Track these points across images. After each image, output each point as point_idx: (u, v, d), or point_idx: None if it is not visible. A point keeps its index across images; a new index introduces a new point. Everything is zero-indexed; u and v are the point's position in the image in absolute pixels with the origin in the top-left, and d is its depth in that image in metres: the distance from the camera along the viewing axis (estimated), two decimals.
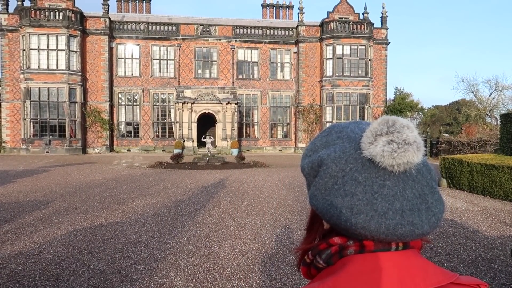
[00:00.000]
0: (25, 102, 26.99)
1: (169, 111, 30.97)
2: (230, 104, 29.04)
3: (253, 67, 31.90)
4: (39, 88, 27.07)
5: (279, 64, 32.32)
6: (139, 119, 30.73)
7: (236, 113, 29.53)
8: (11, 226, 6.60)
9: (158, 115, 30.96)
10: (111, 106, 29.98)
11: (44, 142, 27.12)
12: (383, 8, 32.34)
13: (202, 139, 24.09)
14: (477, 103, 40.41)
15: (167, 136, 30.96)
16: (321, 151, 0.74)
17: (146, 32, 30.44)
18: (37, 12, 27.07)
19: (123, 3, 35.37)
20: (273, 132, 32.54)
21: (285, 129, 32.70)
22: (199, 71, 31.42)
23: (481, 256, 5.08)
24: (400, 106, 30.98)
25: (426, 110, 48.60)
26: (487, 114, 38.27)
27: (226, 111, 29.14)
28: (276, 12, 37.40)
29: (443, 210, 0.71)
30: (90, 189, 11.00)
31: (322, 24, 30.82)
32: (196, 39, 30.98)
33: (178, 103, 28.73)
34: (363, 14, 31.51)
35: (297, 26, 31.63)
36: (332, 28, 29.95)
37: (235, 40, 31.31)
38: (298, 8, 31.88)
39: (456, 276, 0.68)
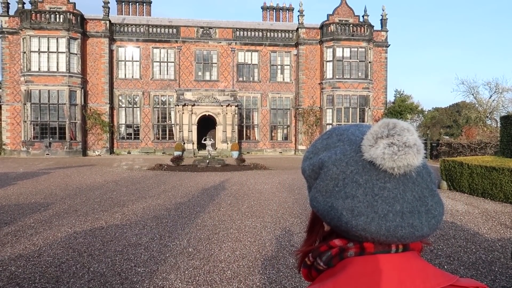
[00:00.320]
0: (25, 104, 27.01)
1: (169, 114, 30.99)
2: (230, 106, 29.06)
3: (253, 70, 31.93)
4: (40, 90, 27.09)
5: (279, 67, 32.36)
6: (139, 121, 30.74)
7: (236, 115, 29.55)
8: (11, 229, 6.59)
9: (158, 118, 30.97)
10: (112, 108, 30.00)
11: (44, 145, 27.12)
12: (383, 10, 32.40)
13: (202, 142, 24.10)
14: (477, 105, 40.45)
15: (167, 138, 30.97)
16: (322, 153, 0.75)
17: (146, 35, 30.50)
18: (38, 15, 27.12)
19: (123, 5, 35.45)
20: (273, 134, 32.54)
21: (285, 131, 32.70)
22: (199, 73, 31.46)
23: (481, 259, 5.07)
24: (400, 108, 30.98)
25: (426, 112, 48.62)
26: (487, 116, 38.30)
27: (227, 113, 29.16)
28: (276, 15, 37.48)
29: (443, 212, 0.72)
30: (90, 191, 10.99)
31: (322, 27, 30.88)
32: (196, 42, 31.03)
33: (178, 105, 28.75)
34: (363, 16, 31.57)
35: (297, 29, 31.69)
36: (332, 30, 30.00)
37: (235, 43, 31.35)
38: (298, 11, 31.96)
39: (456, 279, 0.68)
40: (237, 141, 29.45)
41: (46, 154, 26.99)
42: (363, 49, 29.91)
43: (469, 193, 10.69)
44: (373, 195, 0.66)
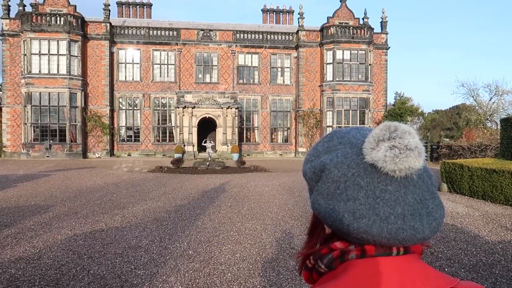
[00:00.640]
0: (25, 106, 27.04)
1: (170, 116, 31.02)
2: (231, 108, 29.08)
3: (254, 72, 31.98)
4: (40, 92, 27.14)
5: (279, 69, 32.41)
6: (139, 123, 30.77)
7: (236, 117, 29.57)
8: (11, 231, 6.59)
9: (158, 120, 31.00)
10: (112, 110, 30.03)
11: (44, 147, 27.13)
12: (383, 13, 32.48)
13: (203, 144, 24.10)
14: (477, 107, 40.48)
15: (167, 140, 30.98)
16: (323, 156, 0.75)
17: (147, 37, 30.56)
18: (39, 17, 27.20)
19: (124, 8, 35.54)
20: (273, 136, 32.56)
21: (285, 133, 32.72)
22: (200, 75, 31.50)
23: (482, 261, 5.06)
24: (401, 110, 30.99)
25: (426, 115, 48.63)
26: (487, 119, 38.32)
27: (227, 115, 29.18)
28: (276, 17, 37.56)
29: (444, 215, 0.72)
30: (90, 193, 10.99)
31: (322, 29, 30.94)
32: (196, 44, 31.09)
33: (178, 107, 28.78)
34: (363, 19, 31.64)
35: (297, 31, 31.75)
36: (332, 33, 30.06)
37: (236, 45, 31.42)
38: (298, 13, 32.03)
39: (457, 281, 0.68)
40: (237, 143, 29.46)
41: (46, 156, 27.00)
42: (363, 52, 29.96)
43: (470, 196, 10.68)
44: (374, 198, 0.67)
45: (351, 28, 30.16)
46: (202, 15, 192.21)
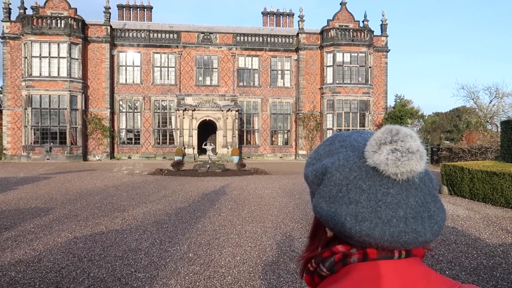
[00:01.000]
0: (26, 109, 27.06)
1: (170, 118, 31.04)
2: (231, 111, 29.10)
3: (254, 75, 32.02)
4: (41, 95, 27.16)
5: (279, 72, 32.45)
6: (140, 126, 30.78)
7: (236, 120, 29.58)
8: (11, 234, 6.58)
9: (158, 122, 31.01)
10: (112, 113, 30.05)
11: (45, 149, 27.14)
12: (383, 16, 32.55)
13: (203, 146, 24.10)
14: (477, 110, 40.51)
15: (167, 143, 30.99)
16: (324, 159, 0.75)
17: (147, 40, 30.62)
18: (39, 20, 27.26)
19: (124, 11, 35.61)
20: (273, 139, 32.56)
21: (285, 136, 32.72)
22: (200, 78, 31.54)
23: (483, 264, 5.05)
24: (401, 113, 31.00)
25: (426, 117, 48.68)
26: (488, 121, 38.34)
27: (227, 118, 29.19)
28: (276, 20, 37.61)
29: (445, 218, 0.72)
30: (90, 196, 10.98)
31: (322, 32, 31.00)
32: (197, 47, 31.15)
33: (179, 110, 28.80)
34: (363, 22, 31.70)
35: (298, 34, 31.80)
36: (332, 35, 30.11)
37: (236, 48, 31.47)
38: (299, 16, 32.10)
39: (459, 285, 0.68)
40: (237, 146, 29.46)
41: (47, 159, 27.00)
42: (363, 54, 30.01)
43: (470, 198, 10.67)
44: (376, 201, 0.67)
45: (351, 30, 30.21)
46: (203, 18, 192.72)
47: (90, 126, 28.93)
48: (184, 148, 28.48)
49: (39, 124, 27.25)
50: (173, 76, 31.12)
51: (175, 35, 31.01)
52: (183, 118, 28.85)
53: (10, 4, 28.65)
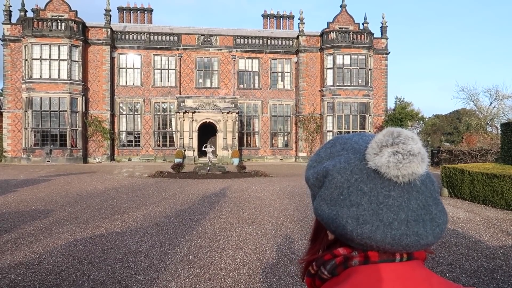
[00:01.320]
0: (26, 111, 27.07)
1: (170, 121, 31.05)
2: (231, 113, 29.11)
3: (254, 77, 32.06)
4: (41, 97, 27.18)
5: (279, 74, 32.48)
6: (140, 128, 30.79)
7: (237, 122, 29.59)
8: (11, 236, 6.57)
9: (159, 125, 31.03)
10: (112, 115, 30.07)
11: (45, 152, 27.14)
12: (383, 18, 32.61)
13: (203, 149, 24.10)
14: (477, 112, 40.51)
15: (168, 145, 30.99)
16: (326, 162, 0.75)
17: (147, 42, 30.67)
18: (40, 23, 27.31)
19: (125, 13, 35.69)
20: (274, 141, 32.56)
21: (286, 138, 32.72)
22: (200, 80, 31.57)
23: (483, 266, 5.04)
24: (401, 115, 31.00)
25: (426, 119, 48.70)
26: (488, 123, 38.33)
27: (227, 120, 29.20)
28: (276, 22, 37.68)
29: (447, 221, 0.72)
30: (90, 198, 10.97)
31: (322, 34, 31.04)
32: (197, 49, 31.19)
33: (179, 112, 28.81)
34: (363, 24, 31.75)
35: (298, 36, 31.85)
36: (333, 38, 30.16)
37: (236, 50, 31.51)
38: (299, 19, 32.16)
39: None
40: (237, 148, 29.45)
41: (47, 161, 27.00)
42: (363, 57, 30.04)
43: (470, 200, 10.66)
44: (378, 203, 0.66)
45: (351, 33, 30.26)
46: (203, 20, 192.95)
47: (90, 128, 28.94)
48: (184, 150, 28.48)
49: (40, 127, 27.27)
50: (173, 79, 31.16)
51: (176, 38, 31.06)
52: (183, 120, 28.86)
53: (11, 6, 28.72)
